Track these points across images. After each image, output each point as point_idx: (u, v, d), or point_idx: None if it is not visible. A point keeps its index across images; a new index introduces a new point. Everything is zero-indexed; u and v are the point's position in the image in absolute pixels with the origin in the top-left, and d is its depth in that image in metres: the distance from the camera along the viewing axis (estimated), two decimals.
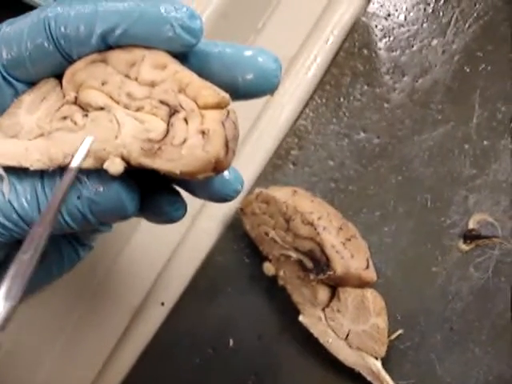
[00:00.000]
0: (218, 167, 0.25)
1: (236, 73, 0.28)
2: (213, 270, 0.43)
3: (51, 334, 0.45)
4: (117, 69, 0.27)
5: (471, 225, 0.40)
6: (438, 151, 0.42)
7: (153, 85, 0.27)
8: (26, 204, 0.28)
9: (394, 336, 0.39)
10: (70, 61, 0.28)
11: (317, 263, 0.37)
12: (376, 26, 0.45)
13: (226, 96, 0.26)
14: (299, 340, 0.40)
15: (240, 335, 0.41)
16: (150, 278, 0.46)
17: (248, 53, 0.28)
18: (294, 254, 0.38)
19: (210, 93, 0.26)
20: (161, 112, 0.26)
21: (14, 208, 0.28)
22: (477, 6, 0.44)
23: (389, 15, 0.45)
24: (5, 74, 0.29)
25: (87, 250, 0.38)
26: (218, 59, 0.28)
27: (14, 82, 0.29)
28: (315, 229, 0.36)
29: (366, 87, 0.44)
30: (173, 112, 0.26)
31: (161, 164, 0.25)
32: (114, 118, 0.27)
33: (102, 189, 0.27)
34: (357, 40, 0.45)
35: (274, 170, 0.44)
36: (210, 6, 0.44)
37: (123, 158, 0.26)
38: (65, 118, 0.28)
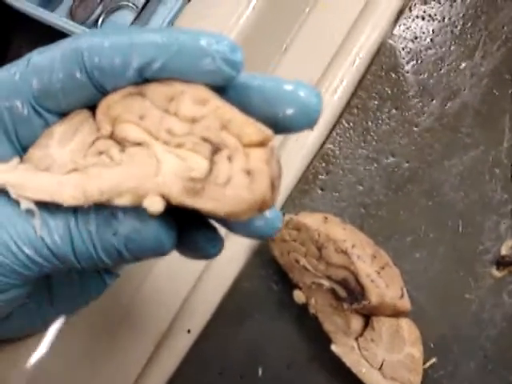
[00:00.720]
0: (263, 207, 0.24)
1: (276, 107, 0.27)
2: (240, 297, 0.43)
3: (75, 361, 0.45)
4: (155, 103, 0.27)
5: (504, 251, 0.40)
6: (468, 175, 0.42)
7: (193, 121, 0.26)
8: (58, 240, 0.28)
9: (427, 365, 0.39)
10: (104, 92, 0.27)
11: (351, 292, 0.36)
12: (403, 49, 0.45)
13: (270, 133, 0.25)
14: (329, 369, 0.40)
15: (269, 363, 0.41)
16: (175, 306, 0.45)
17: (288, 87, 0.27)
18: (326, 283, 0.37)
19: (254, 130, 0.25)
20: (203, 149, 0.25)
21: (46, 244, 0.28)
22: (505, 28, 0.44)
23: (416, 38, 0.45)
24: (35, 105, 0.28)
25: (114, 278, 0.37)
26: (257, 93, 0.28)
27: (44, 112, 0.29)
28: (349, 257, 0.36)
29: (393, 111, 0.44)
30: (215, 150, 0.25)
31: (203, 204, 0.25)
32: (154, 154, 0.26)
33: (139, 226, 0.27)
34: (384, 63, 0.45)
35: (301, 195, 0.43)
36: (236, 29, 0.44)
37: (163, 196, 0.25)
38: (100, 153, 0.27)
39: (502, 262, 0.40)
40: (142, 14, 0.53)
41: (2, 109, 0.29)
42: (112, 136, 0.27)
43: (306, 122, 0.28)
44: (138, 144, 0.26)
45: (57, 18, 0.51)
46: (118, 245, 0.27)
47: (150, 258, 0.31)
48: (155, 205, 0.25)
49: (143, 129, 0.27)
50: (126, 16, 0.54)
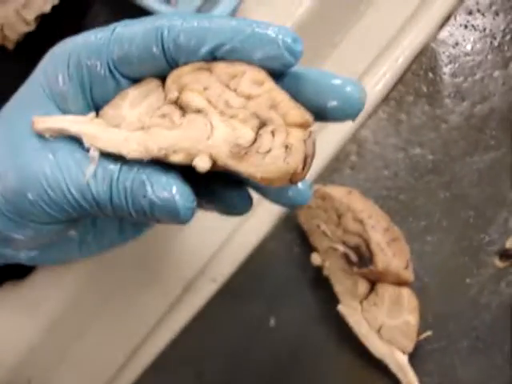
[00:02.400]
0: (294, 179, 0.29)
1: (324, 98, 0.31)
2: (264, 256, 0.47)
3: (107, 293, 0.50)
4: (219, 78, 0.30)
5: (508, 244, 0.43)
6: (486, 174, 0.45)
7: (249, 98, 0.30)
8: (101, 189, 0.32)
9: (423, 336, 0.42)
10: (173, 66, 0.32)
11: (361, 257, 0.41)
12: (443, 53, 0.49)
13: (311, 118, 0.29)
14: (335, 327, 0.44)
15: (282, 317, 0.45)
16: (204, 256, 0.50)
17: (337, 81, 0.30)
18: (341, 248, 0.42)
19: (298, 113, 0.29)
20: (252, 122, 0.29)
21: (90, 190, 0.32)
22: None
23: (456, 44, 0.49)
24: (112, 68, 0.32)
25: (149, 228, 0.42)
26: (308, 83, 0.31)
27: (118, 76, 0.33)
28: (364, 226, 0.40)
29: (426, 107, 0.48)
30: (262, 124, 0.29)
31: (245, 167, 0.29)
32: (209, 121, 0.30)
33: (164, 196, 0.31)
34: (424, 63, 0.49)
35: (332, 172, 0.48)
36: (291, 20, 0.48)
37: (211, 157, 0.29)
38: (164, 115, 0.31)
39: (505, 254, 0.43)
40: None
41: (83, 65, 0.33)
42: (177, 101, 0.31)
43: (350, 113, 0.31)
44: (198, 111, 0.30)
45: None
46: (144, 206, 0.31)
47: (169, 223, 0.36)
48: (203, 163, 0.29)
49: (205, 98, 0.30)
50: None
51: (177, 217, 0.32)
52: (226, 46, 0.30)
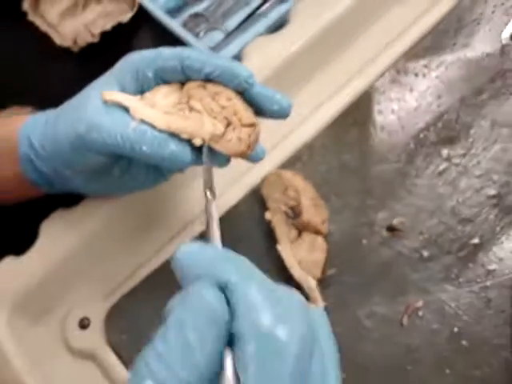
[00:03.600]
0: (244, 155, 0.51)
1: (269, 104, 0.52)
2: (236, 213, 0.67)
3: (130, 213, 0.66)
4: (209, 94, 0.50)
5: (394, 222, 0.65)
6: (386, 177, 0.68)
7: (223, 107, 0.51)
8: (137, 137, 0.49)
9: (328, 272, 0.63)
10: (188, 78, 0.51)
11: (295, 213, 0.63)
12: (376, 99, 0.72)
13: (256, 121, 0.50)
14: (275, 259, 0.62)
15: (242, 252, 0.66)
16: (191, 214, 0.69)
17: (277, 96, 0.52)
18: (283, 207, 0.64)
19: (248, 119, 0.50)
20: (224, 122, 0.51)
21: (130, 137, 0.49)
22: None
23: (384, 92, 0.72)
24: (155, 74, 0.52)
25: (169, 177, 0.60)
26: (261, 95, 0.51)
27: (157, 78, 0.52)
28: (299, 194, 0.62)
29: (356, 131, 0.70)
30: (229, 123, 0.51)
31: (218, 147, 0.51)
32: (203, 118, 0.51)
33: (172, 148, 0.50)
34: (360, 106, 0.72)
35: (291, 163, 0.70)
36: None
37: (202, 139, 0.51)
38: (180, 109, 0.52)
39: (390, 228, 0.65)
40: (228, 37, 0.80)
41: (140, 70, 0.51)
42: (188, 102, 0.52)
43: (282, 115, 0.53)
44: (197, 111, 0.52)
45: (175, 24, 0.76)
46: (161, 154, 0.50)
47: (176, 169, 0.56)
48: (198, 142, 0.51)
49: (201, 104, 0.52)
50: (217, 36, 0.80)
51: (179, 164, 0.50)
52: (214, 73, 0.50)
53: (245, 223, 0.67)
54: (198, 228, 0.67)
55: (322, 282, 0.62)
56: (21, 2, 0.81)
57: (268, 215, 0.65)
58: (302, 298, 0.36)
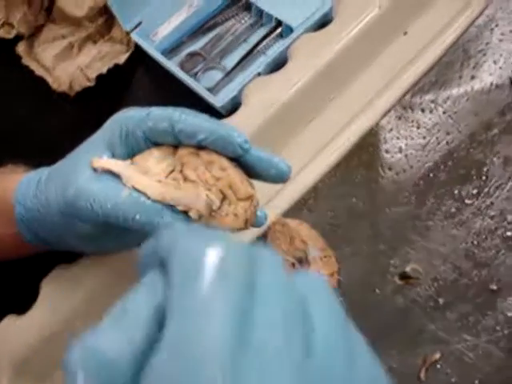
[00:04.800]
0: (241, 230, 0.48)
1: (267, 169, 0.48)
2: None
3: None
4: (203, 162, 0.46)
5: (406, 269, 0.63)
6: (397, 220, 0.66)
7: (218, 179, 0.47)
8: (129, 209, 0.46)
9: None
10: (180, 142, 0.47)
11: (302, 266, 0.61)
12: (382, 135, 0.69)
13: (252, 192, 0.46)
14: None
15: None
16: None
17: (275, 160, 0.48)
18: (290, 259, 0.62)
19: (244, 191, 0.46)
20: (219, 195, 0.47)
21: (120, 207, 0.46)
22: None
23: (391, 130, 0.70)
24: (145, 135, 0.48)
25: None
26: (258, 159, 0.47)
27: (147, 140, 0.48)
28: (306, 245, 0.61)
29: (363, 171, 0.68)
30: (224, 197, 0.47)
31: (214, 222, 0.47)
32: (198, 190, 0.47)
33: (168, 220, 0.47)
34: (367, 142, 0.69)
35: (297, 209, 0.68)
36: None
37: (198, 212, 0.47)
38: (174, 179, 0.48)
39: (403, 276, 0.63)
40: (226, 76, 0.78)
41: (130, 131, 0.48)
42: (181, 171, 0.48)
43: (281, 179, 0.49)
44: (192, 181, 0.47)
45: (172, 65, 0.74)
46: (155, 227, 0.46)
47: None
48: (194, 215, 0.46)
49: (196, 174, 0.47)
50: (216, 75, 0.78)
51: None
52: (207, 140, 0.46)
53: None
54: None
55: None
56: (15, 44, 0.81)
57: None
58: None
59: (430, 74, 0.72)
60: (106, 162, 0.49)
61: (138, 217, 0.46)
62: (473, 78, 0.71)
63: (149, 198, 0.47)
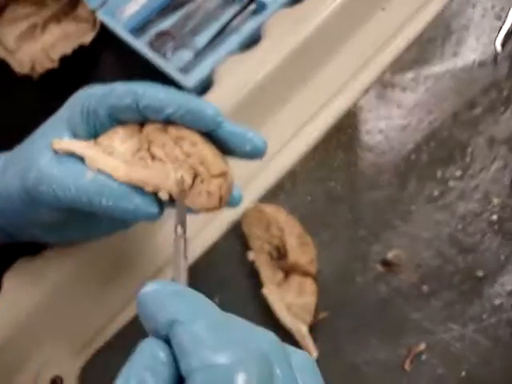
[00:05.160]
0: (215, 210, 0.44)
1: (241, 145, 0.45)
2: (216, 252, 0.63)
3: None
4: (172, 138, 0.44)
5: (388, 256, 0.60)
6: (378, 204, 0.63)
7: (188, 155, 0.44)
8: (94, 191, 0.44)
9: (320, 316, 0.58)
10: (145, 118, 0.44)
11: (280, 254, 0.58)
12: (361, 117, 0.66)
13: (226, 168, 0.43)
14: (260, 304, 0.59)
15: (225, 296, 0.60)
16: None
17: (250, 134, 0.45)
18: (267, 247, 0.59)
19: (217, 167, 0.43)
20: (190, 172, 0.44)
21: (85, 190, 0.44)
22: None
23: (370, 110, 0.66)
24: (109, 113, 0.45)
25: (132, 226, 0.55)
26: (232, 135, 0.45)
27: (111, 119, 0.46)
28: (283, 232, 0.57)
29: (342, 154, 0.65)
30: (196, 174, 0.44)
31: (187, 203, 0.44)
32: (167, 168, 0.44)
33: (136, 202, 0.45)
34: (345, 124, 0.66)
35: (273, 195, 0.65)
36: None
37: (168, 192, 0.44)
38: (141, 158, 0.45)
39: (385, 263, 0.60)
40: (198, 56, 0.74)
41: (91, 109, 0.45)
42: (149, 149, 0.45)
43: (256, 155, 0.46)
44: (160, 159, 0.44)
45: (140, 45, 0.71)
46: (124, 208, 0.44)
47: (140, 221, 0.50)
48: (163, 196, 0.44)
49: (164, 152, 0.44)
50: (187, 54, 0.74)
51: (145, 217, 0.45)
52: (176, 114, 0.43)
53: (226, 263, 0.62)
54: (172, 273, 0.61)
55: (314, 328, 0.57)
56: None
57: (251, 256, 0.60)
58: (274, 338, 0.33)
59: (410, 50, 0.69)
60: (68, 143, 0.46)
61: (104, 201, 0.44)
62: (455, 54, 0.68)
63: (115, 180, 0.44)
